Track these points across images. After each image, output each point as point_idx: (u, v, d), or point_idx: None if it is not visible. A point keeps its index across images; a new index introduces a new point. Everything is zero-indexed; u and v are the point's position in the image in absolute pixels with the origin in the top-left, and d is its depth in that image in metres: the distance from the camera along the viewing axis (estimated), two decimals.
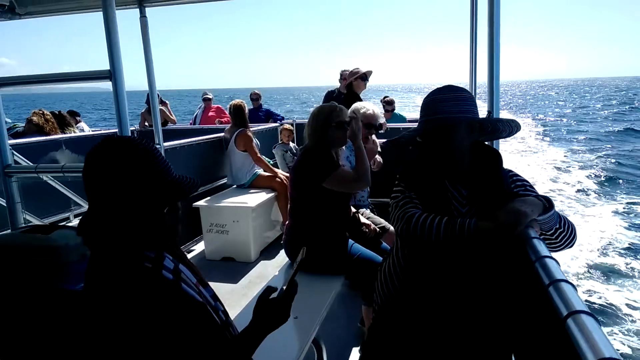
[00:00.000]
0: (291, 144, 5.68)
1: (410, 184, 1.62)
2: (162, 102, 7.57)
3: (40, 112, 5.29)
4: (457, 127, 1.53)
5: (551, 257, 1.04)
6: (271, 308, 1.19)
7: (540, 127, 26.49)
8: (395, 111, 6.88)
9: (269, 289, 1.23)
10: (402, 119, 6.82)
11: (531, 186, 1.60)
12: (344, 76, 5.52)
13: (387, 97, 6.95)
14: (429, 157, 1.62)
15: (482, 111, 2.03)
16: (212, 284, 1.31)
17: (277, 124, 6.69)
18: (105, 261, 1.08)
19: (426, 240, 1.44)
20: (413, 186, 1.61)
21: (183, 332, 1.02)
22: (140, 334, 0.98)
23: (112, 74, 2.10)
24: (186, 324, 1.04)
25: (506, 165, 1.62)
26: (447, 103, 1.53)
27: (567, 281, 0.92)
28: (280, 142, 5.76)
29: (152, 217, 1.10)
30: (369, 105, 3.21)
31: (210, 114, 7.66)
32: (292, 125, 6.06)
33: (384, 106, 6.77)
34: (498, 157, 1.62)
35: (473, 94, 3.67)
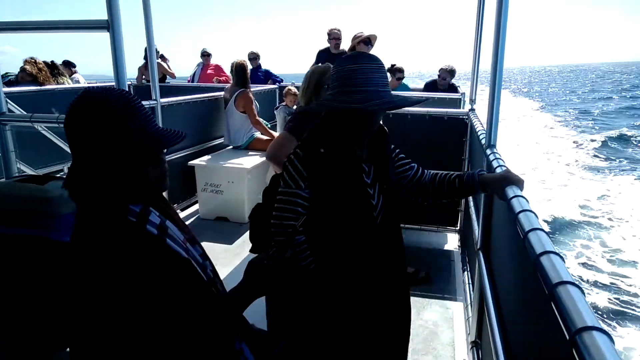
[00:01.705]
0: (295, 108, 5.60)
1: (317, 161, 1.50)
2: (163, 58, 7.40)
3: (33, 60, 5.16)
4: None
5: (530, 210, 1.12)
6: (263, 273, 1.18)
7: None
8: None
9: (263, 255, 1.22)
10: (407, 88, 6.67)
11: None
12: (332, 35, 5.39)
13: (395, 64, 6.71)
14: (342, 132, 1.52)
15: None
16: (205, 243, 1.32)
17: (275, 86, 6.58)
18: (89, 214, 1.07)
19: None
20: (322, 162, 1.50)
21: (166, 287, 1.02)
22: (122, 287, 0.98)
23: (110, 25, 2.04)
24: (169, 279, 1.03)
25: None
26: (375, 75, 1.43)
27: (541, 229, 0.97)
28: (283, 104, 5.68)
29: (135, 169, 1.07)
30: None
31: (209, 71, 7.51)
32: (292, 87, 5.96)
33: (395, 74, 6.47)
34: (386, 134, 1.67)
35: (475, 78, 3.64)
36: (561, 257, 0.89)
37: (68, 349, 2.15)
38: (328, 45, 5.51)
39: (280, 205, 1.52)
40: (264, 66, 7.43)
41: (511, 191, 1.36)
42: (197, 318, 1.04)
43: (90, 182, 1.05)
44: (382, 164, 1.61)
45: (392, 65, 6.65)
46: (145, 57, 5.72)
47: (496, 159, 1.82)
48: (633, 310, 5.44)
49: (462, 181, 1.67)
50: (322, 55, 5.40)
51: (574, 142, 16.80)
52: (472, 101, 3.63)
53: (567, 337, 0.67)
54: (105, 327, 0.99)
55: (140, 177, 1.09)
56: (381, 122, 1.67)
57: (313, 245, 1.53)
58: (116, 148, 1.03)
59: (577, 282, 0.78)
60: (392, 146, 1.72)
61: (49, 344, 2.20)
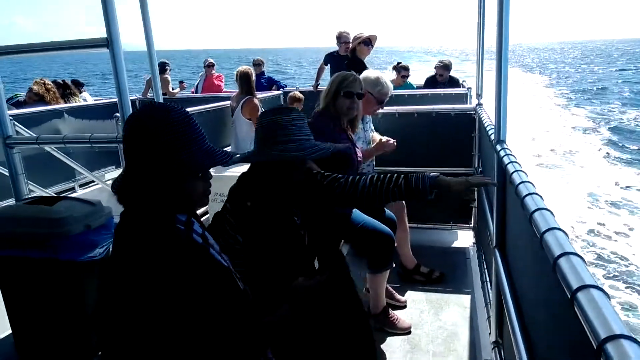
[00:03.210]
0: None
1: (245, 214, 1.56)
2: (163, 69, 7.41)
3: (42, 81, 5.23)
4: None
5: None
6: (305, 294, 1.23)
7: None
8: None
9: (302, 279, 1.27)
10: (411, 87, 6.63)
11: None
12: (342, 39, 5.38)
13: (401, 62, 6.68)
14: (276, 183, 1.58)
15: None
16: None
17: (279, 92, 6.57)
18: (137, 221, 1.11)
19: None
20: (250, 215, 1.55)
21: (212, 295, 1.05)
22: (170, 295, 1.00)
23: (109, 42, 2.04)
24: (215, 288, 1.07)
25: None
26: (304, 126, 1.56)
27: (559, 228, 0.93)
28: None
29: (187, 182, 1.13)
30: (384, 77, 3.07)
31: (215, 81, 7.52)
32: (297, 92, 5.93)
33: (400, 71, 6.43)
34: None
35: (480, 72, 3.58)
36: (582, 258, 0.85)
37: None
38: (337, 48, 5.50)
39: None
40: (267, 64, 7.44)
41: (525, 189, 1.32)
42: (236, 326, 1.08)
43: (142, 190, 1.09)
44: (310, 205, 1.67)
45: (398, 63, 6.62)
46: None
47: (507, 155, 1.78)
48: None
49: (408, 182, 1.64)
50: (332, 58, 5.38)
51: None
52: (479, 95, 3.58)
53: (594, 345, 0.64)
54: (149, 330, 1.01)
55: (189, 190, 1.14)
56: (372, 129, 1.72)
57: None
58: (172, 161, 1.08)
59: (600, 286, 0.74)
60: (315, 171, 1.75)
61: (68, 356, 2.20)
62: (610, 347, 0.61)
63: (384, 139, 3.01)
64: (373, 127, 3.33)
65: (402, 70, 6.37)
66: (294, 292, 1.24)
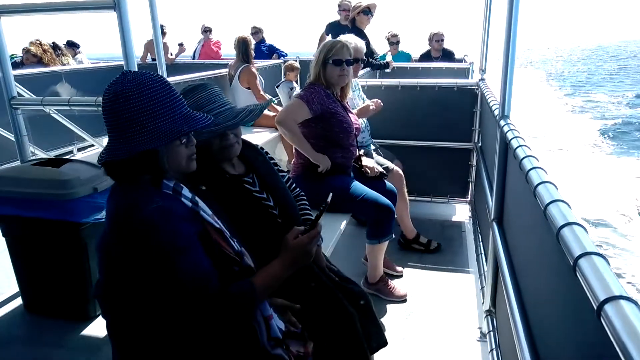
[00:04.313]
0: (294, 84, 5.53)
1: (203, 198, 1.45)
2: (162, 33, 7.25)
3: (38, 42, 5.14)
4: None
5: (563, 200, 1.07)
6: (293, 248, 1.24)
7: None
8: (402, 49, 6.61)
9: (295, 230, 1.28)
10: (407, 57, 6.58)
11: None
12: (342, 7, 5.29)
13: (391, 31, 6.63)
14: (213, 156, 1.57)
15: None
16: None
17: (280, 60, 6.49)
18: (125, 188, 1.14)
19: None
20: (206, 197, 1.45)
21: (201, 252, 1.10)
22: (158, 254, 1.05)
23: (116, 4, 2.01)
24: (206, 246, 1.12)
25: None
26: (222, 96, 1.59)
27: (562, 200, 0.97)
28: (284, 80, 5.60)
29: (170, 147, 1.14)
30: (351, 38, 3.04)
31: (215, 48, 7.40)
32: (296, 61, 5.87)
33: (388, 40, 6.44)
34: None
35: (485, 46, 3.55)
36: (584, 228, 0.90)
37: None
38: (338, 17, 5.41)
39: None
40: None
41: (529, 163, 1.36)
42: (216, 284, 1.10)
43: (126, 159, 1.11)
44: (263, 169, 1.69)
45: (389, 32, 6.55)
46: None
47: (510, 130, 1.81)
48: None
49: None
50: (332, 28, 5.31)
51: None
52: (482, 71, 3.58)
53: (595, 307, 0.69)
54: (139, 280, 1.08)
55: (172, 156, 1.15)
56: (364, 97, 1.70)
57: None
58: (151, 128, 1.09)
59: (601, 253, 0.79)
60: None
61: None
62: (609, 307, 0.66)
63: (368, 101, 3.09)
64: (365, 96, 3.34)
65: (390, 38, 6.37)
66: (284, 247, 1.25)
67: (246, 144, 1.69)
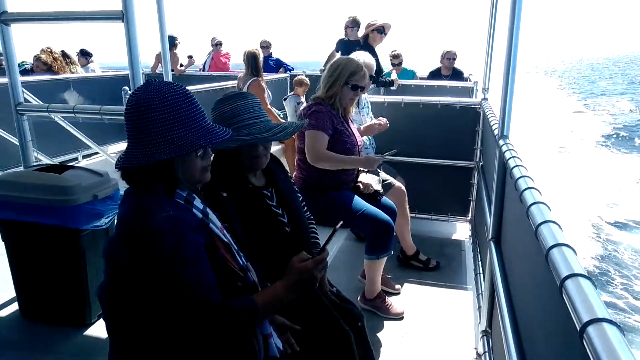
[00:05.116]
0: (302, 98, 5.57)
1: (221, 205, 1.47)
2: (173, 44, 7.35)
3: (49, 49, 5.22)
4: None
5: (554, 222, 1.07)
6: (298, 272, 1.22)
7: None
8: (406, 66, 6.64)
9: (302, 254, 1.27)
10: (412, 74, 6.62)
11: None
12: (349, 24, 5.36)
13: (395, 50, 6.69)
14: (239, 167, 1.60)
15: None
16: None
17: (287, 74, 6.56)
18: (139, 193, 1.15)
19: None
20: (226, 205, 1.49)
21: (206, 266, 1.11)
22: (164, 262, 1.05)
23: (124, 15, 2.06)
24: (212, 259, 1.13)
25: None
26: (260, 108, 1.62)
27: (553, 221, 0.97)
28: (292, 94, 5.65)
29: (186, 158, 1.15)
30: (365, 57, 3.20)
31: (223, 60, 7.49)
32: (305, 77, 5.92)
33: (390, 60, 6.49)
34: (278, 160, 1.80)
35: (489, 66, 3.60)
36: (573, 250, 0.90)
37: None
38: (344, 33, 5.47)
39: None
40: (275, 55, 7.41)
41: (524, 183, 1.36)
42: (218, 300, 1.10)
43: (144, 166, 1.12)
44: (282, 185, 1.70)
45: (392, 51, 6.60)
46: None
47: (509, 150, 1.81)
48: None
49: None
50: (343, 44, 5.36)
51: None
52: (485, 90, 3.60)
53: (578, 328, 0.69)
54: (146, 291, 1.07)
55: (187, 167, 1.16)
56: (371, 116, 1.72)
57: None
58: (170, 138, 1.11)
59: (588, 275, 0.79)
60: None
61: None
62: (591, 329, 0.66)
63: (375, 121, 3.12)
64: (372, 114, 3.37)
65: (392, 59, 6.43)
66: (289, 271, 1.24)
67: (272, 157, 1.71)
